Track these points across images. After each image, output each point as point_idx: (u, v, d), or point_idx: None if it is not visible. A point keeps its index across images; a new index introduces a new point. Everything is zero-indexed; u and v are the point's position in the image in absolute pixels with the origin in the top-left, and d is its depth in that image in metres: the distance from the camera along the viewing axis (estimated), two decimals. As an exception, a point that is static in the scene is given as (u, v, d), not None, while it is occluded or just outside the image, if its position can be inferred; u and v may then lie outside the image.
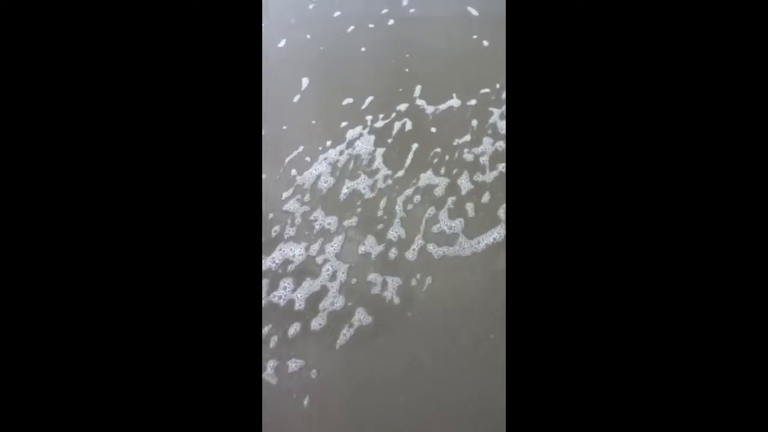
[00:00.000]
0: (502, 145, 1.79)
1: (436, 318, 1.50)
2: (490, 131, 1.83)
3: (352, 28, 2.53)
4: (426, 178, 1.77)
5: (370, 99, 2.09)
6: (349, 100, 2.11)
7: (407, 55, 2.25)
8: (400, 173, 1.81)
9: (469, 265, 1.58)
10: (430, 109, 1.94)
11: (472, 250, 1.60)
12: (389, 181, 1.80)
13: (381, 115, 2.01)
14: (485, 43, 2.18)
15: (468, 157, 1.79)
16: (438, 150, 1.83)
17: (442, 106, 1.94)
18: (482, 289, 1.52)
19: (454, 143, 1.83)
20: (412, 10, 2.56)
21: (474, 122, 1.86)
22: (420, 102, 1.99)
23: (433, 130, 1.89)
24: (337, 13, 2.68)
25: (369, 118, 2.01)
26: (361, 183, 1.81)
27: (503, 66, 2.05)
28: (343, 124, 2.01)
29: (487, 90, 1.95)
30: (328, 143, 1.93)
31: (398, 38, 2.38)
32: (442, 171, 1.78)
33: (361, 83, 2.19)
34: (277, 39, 2.61)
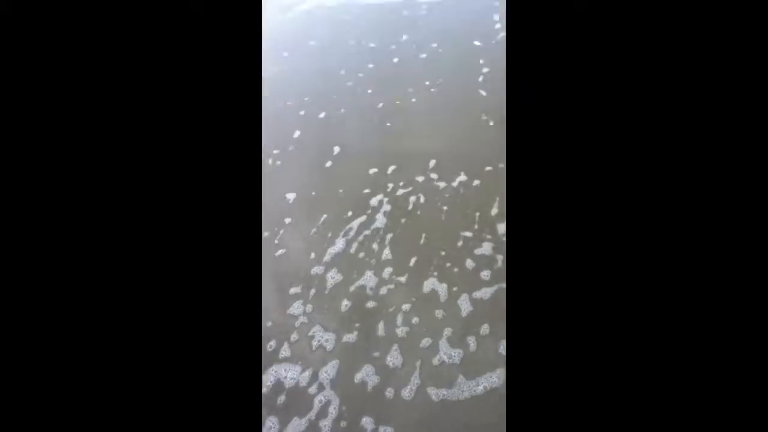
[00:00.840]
0: (500, 257, 1.50)
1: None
2: (489, 236, 1.58)
3: (381, 104, 2.53)
4: (429, 284, 1.49)
5: (392, 168, 2.05)
6: (374, 170, 2.07)
7: (425, 134, 2.21)
8: (403, 278, 1.53)
9: (467, 415, 1.18)
10: (441, 185, 1.83)
11: (471, 393, 1.21)
12: (391, 286, 1.52)
13: (401, 183, 1.91)
14: (491, 123, 2.12)
15: (469, 264, 1.51)
16: (443, 253, 1.57)
17: (454, 183, 1.82)
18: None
19: (459, 243, 1.58)
20: (432, 90, 2.53)
21: (477, 215, 1.66)
22: (433, 175, 1.89)
23: (445, 208, 1.74)
24: (369, 91, 2.70)
25: (391, 185, 1.92)
26: (369, 280, 1.56)
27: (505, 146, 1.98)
28: (366, 191, 1.93)
29: (489, 168, 1.83)
30: (350, 213, 1.83)
31: (418, 116, 2.33)
32: (445, 284, 1.48)
33: (386, 154, 2.11)
34: (317, 111, 2.65)
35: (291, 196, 2.02)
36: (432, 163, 1.98)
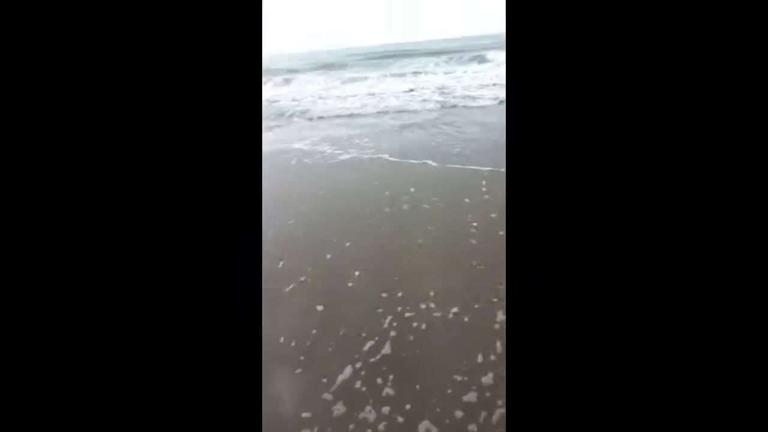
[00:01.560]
0: (484, 413, 1.44)
1: None
2: (474, 387, 1.54)
3: (394, 239, 2.83)
4: (424, 427, 1.42)
5: (400, 293, 2.24)
6: (383, 294, 2.26)
7: (428, 269, 2.46)
8: (401, 419, 1.45)
9: None
10: (438, 314, 1.96)
11: None
12: (385, 422, 1.45)
13: (408, 307, 2.04)
14: (479, 267, 2.38)
15: (458, 414, 1.44)
16: (434, 400, 1.50)
17: (449, 315, 1.96)
18: None
19: (448, 391, 1.53)
20: (435, 234, 2.86)
21: (463, 362, 1.66)
22: (432, 305, 2.08)
23: (440, 342, 1.82)
24: (383, 229, 3.02)
25: (399, 308, 2.06)
26: (369, 414, 1.48)
27: (491, 284, 2.20)
28: (379, 310, 2.12)
29: (477, 306, 1.99)
30: (364, 334, 1.91)
31: (423, 254, 2.57)
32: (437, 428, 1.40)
33: (396, 281, 2.27)
34: (345, 240, 2.93)
35: (320, 308, 2.16)
36: (432, 293, 2.17)
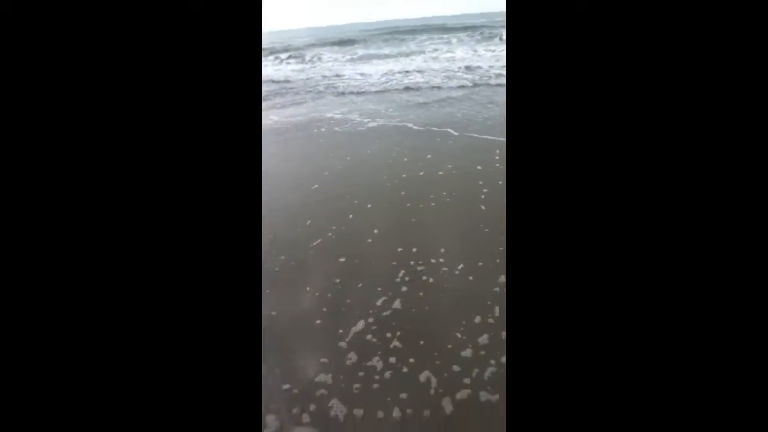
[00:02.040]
0: (476, 370, 1.41)
1: None
2: (470, 345, 1.50)
3: (409, 204, 2.83)
4: (425, 376, 1.41)
5: (414, 249, 2.28)
6: (400, 249, 2.24)
7: (440, 230, 2.46)
8: (405, 369, 1.43)
9: None
10: (446, 269, 1.93)
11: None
12: (390, 371, 1.44)
13: (420, 262, 2.04)
14: (486, 230, 2.35)
15: (455, 368, 1.42)
16: (435, 353, 1.48)
17: (456, 272, 1.95)
18: None
19: (448, 346, 1.50)
20: (447, 199, 2.81)
21: (463, 322, 1.63)
22: (441, 260, 2.08)
23: (446, 301, 1.80)
24: (402, 193, 3.00)
25: (412, 262, 2.09)
26: (378, 363, 1.47)
27: (495, 246, 2.18)
28: (393, 263, 2.09)
29: (481, 263, 1.97)
30: (380, 288, 1.92)
31: (436, 216, 2.56)
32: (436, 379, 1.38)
33: (411, 239, 2.26)
34: (366, 203, 2.95)
35: (342, 260, 2.23)
36: (442, 250, 2.17)
